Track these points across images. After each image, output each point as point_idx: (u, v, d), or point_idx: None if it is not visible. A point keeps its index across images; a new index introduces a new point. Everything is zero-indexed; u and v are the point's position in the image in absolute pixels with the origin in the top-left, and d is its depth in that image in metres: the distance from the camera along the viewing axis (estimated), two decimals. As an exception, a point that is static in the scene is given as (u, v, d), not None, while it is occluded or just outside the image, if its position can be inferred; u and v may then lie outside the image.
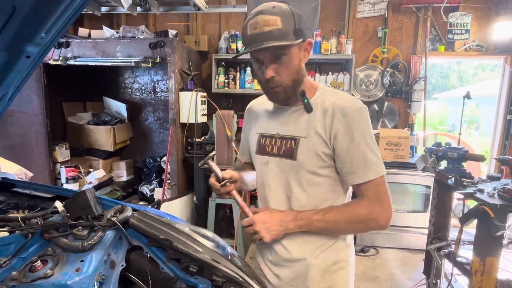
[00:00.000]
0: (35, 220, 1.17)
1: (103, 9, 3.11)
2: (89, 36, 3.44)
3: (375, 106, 3.98)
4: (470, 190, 2.16)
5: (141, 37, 3.28)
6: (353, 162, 1.02)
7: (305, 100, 1.07)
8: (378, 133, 3.49)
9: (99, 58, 3.28)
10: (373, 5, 3.88)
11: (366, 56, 4.01)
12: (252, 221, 1.09)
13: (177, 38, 3.63)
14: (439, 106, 11.97)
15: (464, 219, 2.08)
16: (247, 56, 3.83)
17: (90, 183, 3.69)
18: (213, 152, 1.32)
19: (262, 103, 1.26)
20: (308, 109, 1.07)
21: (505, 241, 2.47)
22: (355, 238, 3.61)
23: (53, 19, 0.97)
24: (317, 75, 3.76)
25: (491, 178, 2.45)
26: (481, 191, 2.13)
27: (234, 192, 1.19)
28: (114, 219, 1.13)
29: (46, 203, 1.35)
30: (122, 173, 4.14)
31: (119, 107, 4.16)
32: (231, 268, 1.12)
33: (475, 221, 2.09)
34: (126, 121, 4.18)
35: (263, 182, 1.19)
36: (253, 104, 1.31)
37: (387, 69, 3.84)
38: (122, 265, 1.18)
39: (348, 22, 3.94)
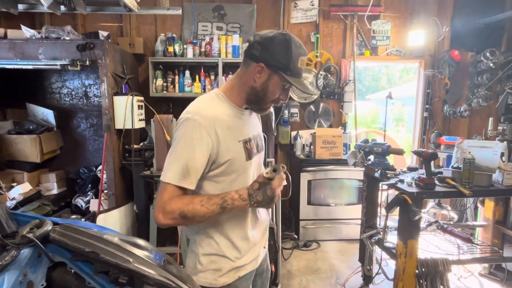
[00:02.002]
0: None
1: (21, 7, 2.83)
2: (5, 36, 3.10)
3: (312, 107, 4.20)
4: (392, 181, 2.40)
5: (67, 38, 3.05)
6: None
7: None
8: (315, 133, 3.68)
9: (18, 60, 2.98)
10: (305, 11, 4.09)
11: (301, 60, 4.21)
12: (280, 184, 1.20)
13: (109, 40, 3.45)
14: (371, 106, 13.01)
15: (388, 207, 2.30)
16: (185, 59, 3.72)
17: (13, 199, 3.32)
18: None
19: (221, 111, 1.17)
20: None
21: (424, 224, 2.77)
22: (298, 234, 3.77)
23: None
24: (256, 78, 3.84)
25: (410, 169, 2.75)
26: (402, 181, 2.37)
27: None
28: (30, 235, 1.04)
29: None
30: (52, 185, 3.80)
31: (45, 114, 3.82)
32: (164, 275, 1.11)
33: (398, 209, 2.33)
34: (55, 129, 3.85)
35: (252, 180, 1.23)
36: (214, 114, 1.14)
37: (321, 72, 4.08)
38: (43, 285, 1.10)
39: (283, 27, 4.11)
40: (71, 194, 3.86)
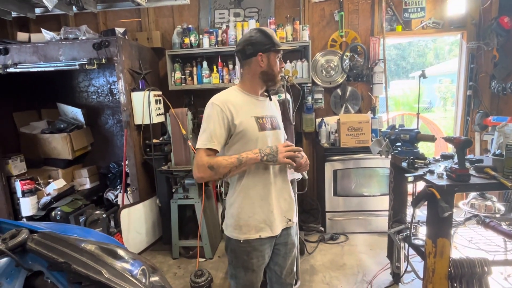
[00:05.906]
0: None
1: (38, 10, 2.92)
2: (29, 40, 3.25)
3: (338, 91, 3.92)
4: (420, 172, 2.13)
5: (84, 37, 3.11)
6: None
7: (268, 95, 1.68)
8: (339, 119, 3.43)
9: (41, 63, 3.11)
10: (327, -12, 3.78)
11: (325, 41, 3.93)
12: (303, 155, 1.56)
13: (126, 36, 3.47)
14: (415, 84, 12.01)
15: (415, 202, 2.05)
16: (201, 50, 3.62)
17: (49, 194, 3.54)
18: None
19: (233, 96, 1.54)
20: (270, 99, 1.68)
21: (462, 219, 2.47)
22: (324, 226, 3.60)
23: None
24: (275, 64, 3.66)
25: (444, 157, 2.43)
26: (432, 172, 2.10)
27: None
28: (2, 246, 1.03)
29: None
30: (85, 180, 4.00)
31: (75, 113, 3.99)
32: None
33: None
34: (84, 126, 4.02)
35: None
36: (226, 98, 1.52)
37: (346, 53, 3.77)
38: (19, 295, 1.09)
39: (304, 7, 3.84)
40: (103, 188, 4.03)
